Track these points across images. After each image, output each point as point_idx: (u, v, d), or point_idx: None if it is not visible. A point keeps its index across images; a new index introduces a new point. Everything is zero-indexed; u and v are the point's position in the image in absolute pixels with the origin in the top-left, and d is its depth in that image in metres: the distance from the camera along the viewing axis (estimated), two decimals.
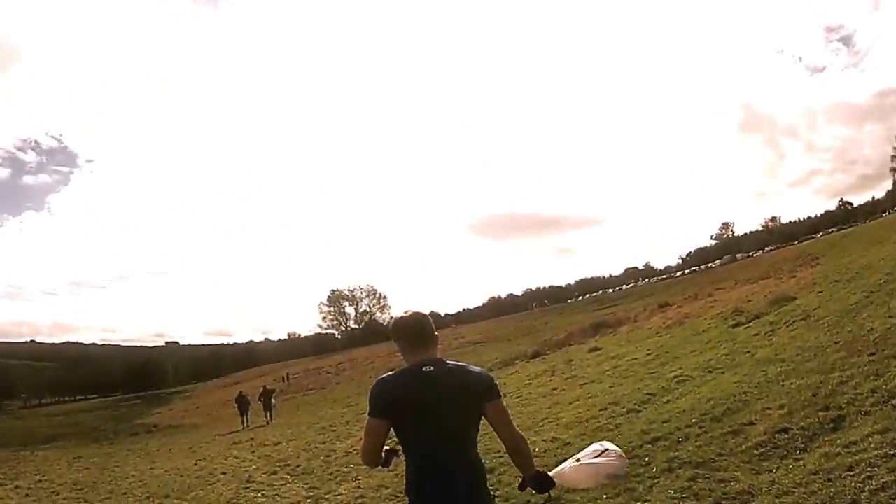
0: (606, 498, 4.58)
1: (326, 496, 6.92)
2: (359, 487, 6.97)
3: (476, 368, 2.51)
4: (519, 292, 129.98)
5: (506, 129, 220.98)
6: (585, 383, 10.92)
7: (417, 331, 2.51)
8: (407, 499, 2.45)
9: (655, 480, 4.69)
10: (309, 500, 6.88)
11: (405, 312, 2.60)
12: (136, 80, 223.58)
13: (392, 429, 2.37)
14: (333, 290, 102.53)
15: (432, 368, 2.39)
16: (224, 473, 10.31)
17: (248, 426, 21.36)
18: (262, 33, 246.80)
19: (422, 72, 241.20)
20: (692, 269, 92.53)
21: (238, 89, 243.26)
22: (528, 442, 2.54)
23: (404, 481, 2.41)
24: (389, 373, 2.46)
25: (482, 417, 2.41)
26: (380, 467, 2.47)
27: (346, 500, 6.56)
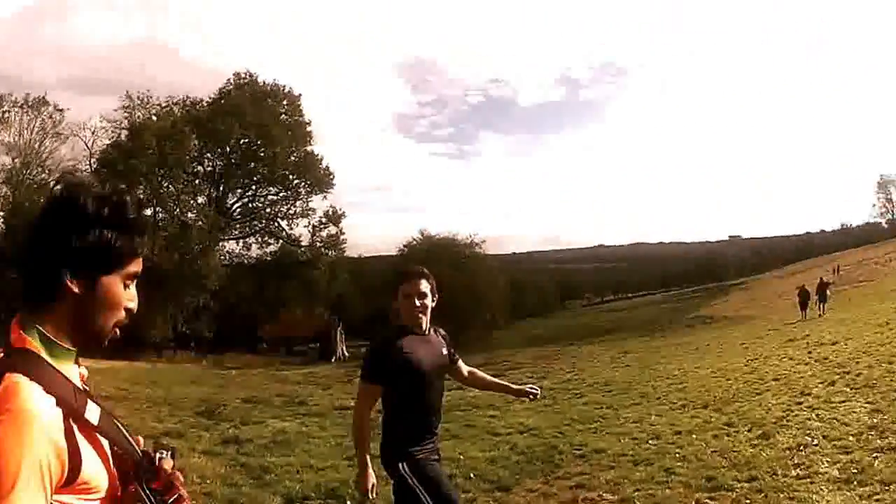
0: None
1: (892, 425, 5.38)
2: None
3: None
4: None
5: None
6: None
7: None
8: None
9: None
10: (872, 432, 5.42)
11: None
12: None
13: None
14: (882, 176, 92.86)
15: None
16: (776, 380, 9.28)
17: (804, 318, 22.67)
18: None
19: None
20: None
21: None
22: None
23: None
24: None
25: None
26: None
27: None
